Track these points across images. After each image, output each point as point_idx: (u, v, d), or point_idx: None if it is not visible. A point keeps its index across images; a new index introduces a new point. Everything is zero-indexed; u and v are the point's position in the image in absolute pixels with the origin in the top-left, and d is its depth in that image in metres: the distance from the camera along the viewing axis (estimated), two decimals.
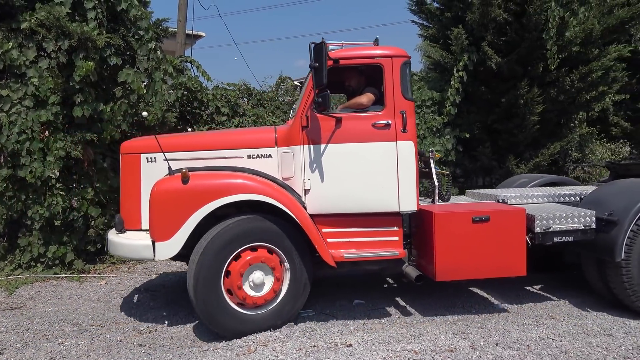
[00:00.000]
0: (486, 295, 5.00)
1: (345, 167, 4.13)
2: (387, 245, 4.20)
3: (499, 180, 8.82)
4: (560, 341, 3.76)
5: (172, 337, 4.02)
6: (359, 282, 5.64)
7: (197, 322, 4.33)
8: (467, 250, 4.10)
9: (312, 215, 4.10)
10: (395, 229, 4.22)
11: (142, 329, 4.24)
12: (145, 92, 6.44)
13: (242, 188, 3.96)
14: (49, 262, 6.13)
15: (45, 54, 5.96)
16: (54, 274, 6.01)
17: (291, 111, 5.45)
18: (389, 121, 4.13)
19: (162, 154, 4.18)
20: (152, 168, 4.33)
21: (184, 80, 8.23)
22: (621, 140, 10.73)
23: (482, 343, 3.74)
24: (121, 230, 4.28)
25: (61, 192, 6.07)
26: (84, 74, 5.78)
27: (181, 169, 3.95)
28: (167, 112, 7.44)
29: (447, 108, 8.80)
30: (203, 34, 16.85)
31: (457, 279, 4.44)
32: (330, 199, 4.14)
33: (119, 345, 3.88)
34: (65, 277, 5.98)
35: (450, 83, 8.79)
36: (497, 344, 3.72)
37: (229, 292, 3.88)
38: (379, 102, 4.25)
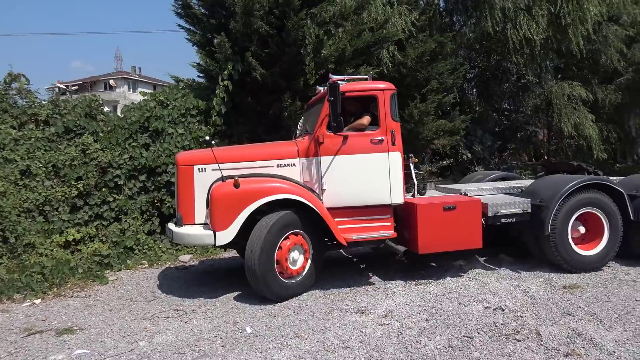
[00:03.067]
0: (238, 319, 4.63)
1: (351, 172, 5.45)
2: (383, 229, 5.54)
3: None
4: None
5: None
6: (92, 326, 4.67)
7: None
8: (440, 230, 5.46)
9: (327, 209, 5.33)
10: (388, 216, 5.58)
11: None
12: None
13: (279, 190, 5.16)
14: None
15: None
16: None
17: (297, 129, 6.71)
18: (382, 137, 5.48)
19: (210, 165, 5.31)
20: (202, 176, 5.39)
21: None
22: None
23: None
24: (180, 225, 5.34)
25: None
26: None
27: (232, 176, 5.09)
28: None
29: (213, 118, 8.39)
30: None
31: (434, 251, 5.68)
32: (341, 196, 5.45)
33: None
34: None
35: (216, 92, 8.40)
36: None
37: (277, 262, 5.04)
38: (374, 123, 5.56)
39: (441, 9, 14.94)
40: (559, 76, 16.96)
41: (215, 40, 8.23)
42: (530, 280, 5.59)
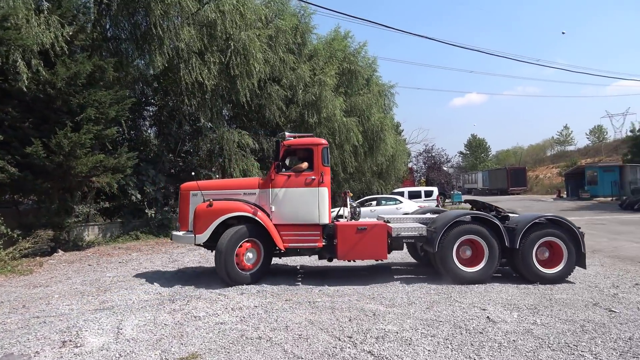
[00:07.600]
0: None
1: (292, 200, 7.95)
2: (313, 241, 7.96)
3: None
4: None
5: None
6: None
7: None
8: (355, 244, 7.77)
9: (275, 225, 7.90)
10: (317, 232, 7.98)
11: None
12: None
13: (240, 209, 7.85)
14: None
15: None
16: None
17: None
18: (314, 177, 7.95)
19: (200, 191, 8.26)
20: (194, 199, 8.27)
21: None
22: None
23: None
24: (178, 230, 8.32)
25: None
26: None
27: (209, 199, 7.94)
28: None
29: None
30: None
31: (350, 259, 8.12)
32: (284, 216, 7.95)
33: None
34: None
35: None
36: None
37: (237, 256, 7.67)
38: (310, 167, 8.03)
39: (109, 34, 13.45)
40: (234, 126, 17.83)
41: None
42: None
